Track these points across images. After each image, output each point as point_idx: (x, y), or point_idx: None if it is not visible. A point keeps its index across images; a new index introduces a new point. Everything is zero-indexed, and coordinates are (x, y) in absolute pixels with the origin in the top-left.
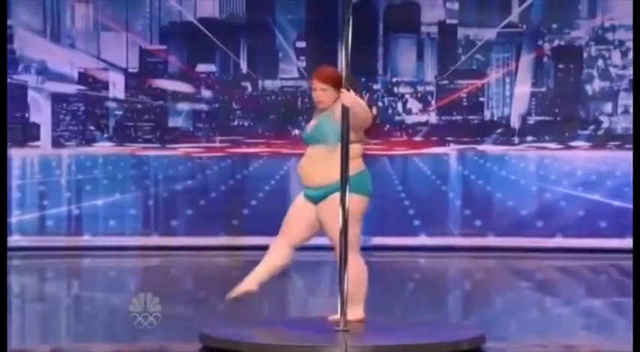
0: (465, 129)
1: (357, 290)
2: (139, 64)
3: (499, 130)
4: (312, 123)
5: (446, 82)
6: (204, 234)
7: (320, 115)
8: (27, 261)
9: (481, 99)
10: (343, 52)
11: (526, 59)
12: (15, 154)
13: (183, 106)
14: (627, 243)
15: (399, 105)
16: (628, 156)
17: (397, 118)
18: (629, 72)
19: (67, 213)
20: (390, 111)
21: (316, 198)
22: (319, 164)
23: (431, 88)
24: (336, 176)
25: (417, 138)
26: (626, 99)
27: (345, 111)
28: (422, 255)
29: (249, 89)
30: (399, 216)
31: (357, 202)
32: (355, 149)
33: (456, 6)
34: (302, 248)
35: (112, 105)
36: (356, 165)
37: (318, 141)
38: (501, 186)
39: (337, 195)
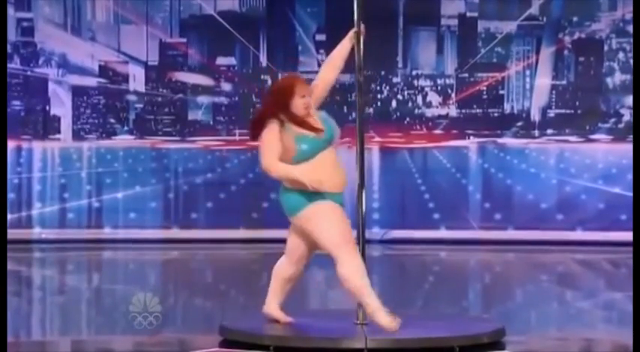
0: (485, 122)
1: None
2: (159, 57)
3: (519, 123)
4: (319, 125)
5: (466, 74)
6: (223, 227)
7: (316, 117)
8: (48, 253)
9: (501, 92)
10: (356, 56)
11: (546, 52)
12: (36, 147)
13: (203, 99)
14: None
15: (419, 99)
16: None
17: (417, 111)
18: None
19: (88, 206)
20: (410, 104)
21: None
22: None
23: (451, 81)
24: None
25: (437, 131)
26: None
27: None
28: (442, 248)
29: (269, 82)
30: (419, 209)
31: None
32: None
33: None
34: None
35: (132, 98)
36: None
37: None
38: (521, 180)
39: None
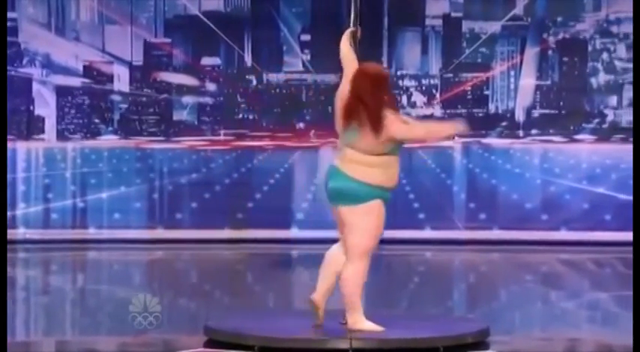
0: (470, 122)
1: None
2: (144, 57)
3: (504, 123)
4: None
5: (450, 75)
6: (208, 227)
7: None
8: (32, 253)
9: (486, 92)
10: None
11: (531, 52)
12: (20, 147)
13: (188, 99)
14: (631, 235)
15: (404, 99)
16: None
17: (402, 111)
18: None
19: (72, 206)
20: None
21: None
22: None
23: (435, 81)
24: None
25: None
26: (631, 92)
27: None
28: (427, 248)
29: (254, 82)
30: (404, 210)
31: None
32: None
33: None
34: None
35: (116, 98)
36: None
37: None
38: (506, 180)
39: None
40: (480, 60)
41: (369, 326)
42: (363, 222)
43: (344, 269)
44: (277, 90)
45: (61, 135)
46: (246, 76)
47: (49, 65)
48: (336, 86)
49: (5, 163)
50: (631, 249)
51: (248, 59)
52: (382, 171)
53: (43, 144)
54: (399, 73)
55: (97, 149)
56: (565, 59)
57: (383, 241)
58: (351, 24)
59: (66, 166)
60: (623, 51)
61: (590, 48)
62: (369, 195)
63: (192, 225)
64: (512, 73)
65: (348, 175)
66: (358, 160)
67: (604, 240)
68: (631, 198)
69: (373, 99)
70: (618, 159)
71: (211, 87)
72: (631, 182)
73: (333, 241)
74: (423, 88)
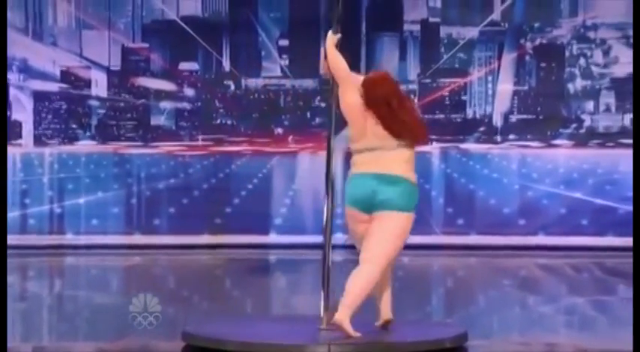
0: (448, 127)
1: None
2: (122, 62)
3: (481, 129)
4: None
5: (428, 80)
6: (186, 233)
7: None
8: (9, 259)
9: (464, 97)
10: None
11: (508, 58)
12: None
13: (166, 105)
14: (608, 240)
15: None
16: (609, 154)
17: None
18: (611, 70)
19: (50, 212)
20: None
21: None
22: None
23: (414, 87)
24: None
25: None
26: (608, 98)
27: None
28: (404, 253)
29: (232, 87)
30: None
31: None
32: (352, 158)
33: (438, 4)
34: (286, 246)
35: (94, 103)
36: (349, 173)
37: None
38: (484, 185)
39: None
40: (457, 65)
41: (348, 327)
42: (395, 228)
43: (358, 267)
44: (255, 95)
45: (39, 141)
46: (224, 81)
47: (27, 70)
48: (315, 91)
49: (5, 166)
50: (608, 253)
51: (226, 64)
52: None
53: (20, 149)
54: None
55: (74, 154)
56: (542, 64)
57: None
58: (334, 30)
59: (43, 172)
60: (599, 56)
61: (567, 53)
62: (415, 203)
63: (170, 230)
64: (489, 78)
65: (407, 180)
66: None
67: (581, 244)
68: (608, 203)
69: (402, 103)
70: (595, 164)
71: (189, 92)
72: (608, 187)
73: (311, 246)
74: None
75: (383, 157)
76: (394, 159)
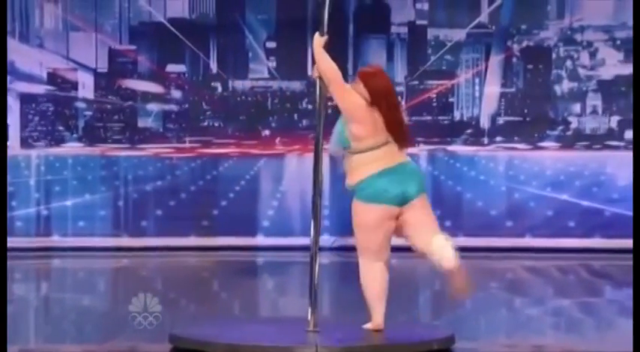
0: (435, 129)
1: (366, 296)
2: (109, 64)
3: (469, 131)
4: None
5: (416, 82)
6: (174, 235)
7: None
8: None
9: (451, 99)
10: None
11: (495, 60)
12: None
13: (153, 107)
14: (595, 242)
15: None
16: (596, 156)
17: None
18: (598, 72)
19: (36, 214)
20: None
21: None
22: (348, 169)
23: (401, 89)
24: (353, 180)
25: (404, 130)
26: (595, 100)
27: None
28: (392, 255)
29: (219, 89)
30: None
31: (359, 209)
32: (367, 156)
33: (425, 6)
34: (274, 248)
35: (81, 105)
36: (363, 171)
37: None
38: (471, 187)
39: (354, 199)
40: (445, 67)
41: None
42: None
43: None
44: (243, 97)
45: (25, 143)
46: (212, 83)
47: (13, 72)
48: (302, 93)
49: (5, 167)
50: (595, 255)
51: (213, 66)
52: None
53: (7, 151)
54: None
55: (61, 156)
56: (529, 67)
57: (348, 248)
58: (321, 31)
59: (30, 174)
60: (586, 58)
61: (554, 55)
62: None
63: (157, 232)
64: (477, 80)
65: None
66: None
67: (568, 246)
68: (595, 205)
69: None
70: (582, 166)
71: (176, 94)
72: (595, 189)
73: (299, 248)
74: None
75: (393, 149)
76: (399, 150)
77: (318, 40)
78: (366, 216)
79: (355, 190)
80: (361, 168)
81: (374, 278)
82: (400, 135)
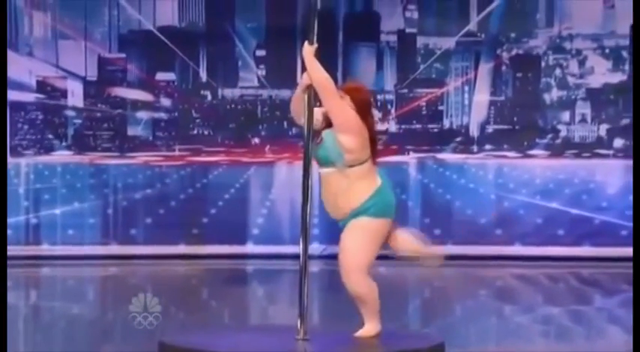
0: (425, 137)
1: (367, 307)
2: (98, 72)
3: (458, 139)
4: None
5: (405, 90)
6: (163, 243)
7: (324, 132)
8: None
9: (440, 107)
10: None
11: (485, 68)
12: None
13: (143, 115)
14: (584, 250)
15: None
16: (585, 164)
17: None
18: (587, 81)
19: (25, 222)
20: None
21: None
22: (339, 193)
23: (390, 97)
24: (357, 202)
25: (377, 147)
26: (584, 108)
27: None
28: (381, 263)
29: (209, 97)
30: None
31: (371, 226)
32: (355, 171)
33: (415, 15)
34: (263, 256)
35: (70, 113)
36: (364, 187)
37: (326, 161)
38: (460, 195)
39: (357, 219)
40: (434, 75)
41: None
42: None
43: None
44: (232, 105)
45: (14, 151)
46: (201, 92)
47: None
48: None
49: (5, 173)
50: (584, 263)
51: (203, 74)
52: None
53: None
54: None
55: (50, 165)
56: (518, 75)
57: (335, 257)
58: (312, 40)
59: (19, 182)
60: (575, 67)
61: (543, 64)
62: None
63: (146, 240)
64: (466, 88)
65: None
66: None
67: (557, 254)
68: (584, 213)
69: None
70: (571, 174)
71: (166, 102)
72: (584, 197)
73: (288, 256)
74: (379, 103)
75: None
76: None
77: (309, 49)
78: (380, 232)
79: (362, 209)
80: (361, 183)
81: (373, 289)
82: (375, 149)
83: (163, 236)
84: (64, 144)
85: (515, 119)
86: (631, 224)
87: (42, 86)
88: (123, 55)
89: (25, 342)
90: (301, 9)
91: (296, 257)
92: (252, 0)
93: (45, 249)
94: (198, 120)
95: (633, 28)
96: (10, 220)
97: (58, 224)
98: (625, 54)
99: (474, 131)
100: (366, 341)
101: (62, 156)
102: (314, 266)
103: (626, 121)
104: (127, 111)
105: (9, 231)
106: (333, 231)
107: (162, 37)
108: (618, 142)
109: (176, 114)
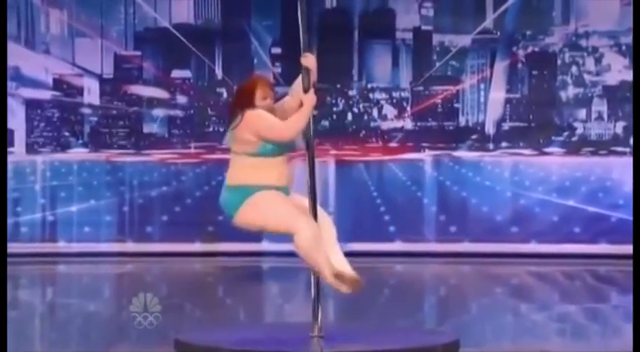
0: (440, 135)
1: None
2: (114, 70)
3: (474, 136)
4: None
5: (421, 88)
6: (179, 241)
7: None
8: None
9: (456, 105)
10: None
11: (500, 65)
12: None
13: (159, 112)
14: (601, 248)
15: (375, 111)
16: (602, 161)
17: (373, 124)
18: (603, 78)
19: (42, 220)
20: (365, 117)
21: None
22: None
23: (406, 94)
24: None
25: (393, 144)
26: (600, 106)
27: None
28: (397, 261)
29: (225, 95)
30: (374, 222)
31: None
32: None
33: (430, 12)
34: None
35: (86, 111)
36: None
37: None
38: (476, 192)
39: None
40: (450, 73)
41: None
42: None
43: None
44: None
45: (31, 149)
46: (217, 89)
47: (19, 78)
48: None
49: (5, 171)
50: (600, 261)
51: (219, 72)
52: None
53: (13, 157)
54: (369, 85)
55: (66, 162)
56: (534, 72)
57: (354, 254)
58: (305, 47)
59: (35, 179)
60: (592, 64)
61: (559, 61)
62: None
63: (162, 238)
64: (482, 85)
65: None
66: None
67: (573, 252)
68: (601, 210)
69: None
70: (588, 171)
71: (182, 100)
72: (600, 194)
73: None
74: (394, 100)
75: None
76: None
77: (311, 100)
78: None
79: None
80: None
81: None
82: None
83: (179, 233)
84: (80, 141)
85: (531, 117)
86: None
87: (58, 84)
88: (139, 53)
89: (40, 339)
90: (316, 7)
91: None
92: None
93: (61, 246)
94: (213, 118)
95: (633, 28)
96: (26, 217)
97: (74, 221)
98: None
99: (490, 128)
100: (381, 339)
101: (78, 153)
102: None
103: None
104: (143, 109)
105: (25, 229)
106: (351, 228)
107: (178, 35)
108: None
109: (192, 111)
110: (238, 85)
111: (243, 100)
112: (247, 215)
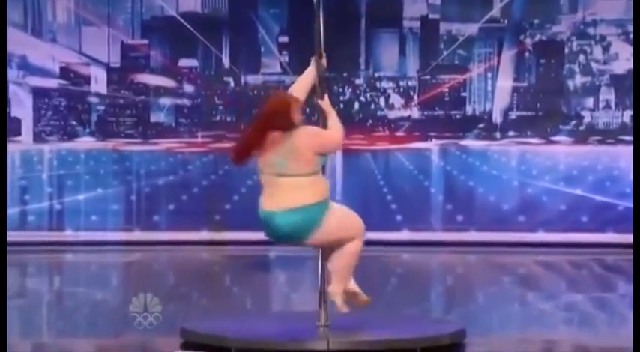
0: (447, 124)
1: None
2: (121, 58)
3: (481, 125)
4: None
5: (428, 76)
6: (186, 229)
7: None
8: (8, 256)
9: (463, 94)
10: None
11: (508, 54)
12: None
13: (166, 101)
14: (608, 237)
15: (382, 100)
16: (609, 150)
17: (380, 113)
18: (611, 67)
19: (49, 208)
20: (372, 106)
21: None
22: None
23: (413, 83)
24: None
25: (400, 133)
26: (607, 95)
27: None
28: (404, 250)
29: (232, 84)
30: (381, 211)
31: None
32: None
33: (437, 1)
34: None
35: (93, 100)
36: None
37: None
38: (483, 181)
39: None
40: (457, 62)
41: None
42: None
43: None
44: (255, 92)
45: (38, 137)
46: (224, 78)
47: (26, 66)
48: (314, 88)
49: (5, 164)
50: (607, 250)
51: (226, 61)
52: None
53: (20, 146)
54: (376, 74)
55: (74, 151)
56: (542, 61)
57: None
58: (318, 53)
59: (43, 168)
60: (599, 53)
61: (566, 50)
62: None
63: (169, 226)
64: (489, 74)
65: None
66: None
67: (581, 241)
68: (608, 199)
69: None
70: (595, 160)
71: (189, 88)
72: (608, 183)
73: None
74: (401, 89)
75: None
76: None
77: (329, 105)
78: None
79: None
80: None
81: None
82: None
83: (186, 222)
84: (87, 130)
85: (538, 105)
86: None
87: (65, 72)
88: (146, 42)
89: (47, 328)
90: None
91: None
92: None
93: (68, 234)
94: (220, 107)
95: (633, 28)
96: (34, 206)
97: (81, 210)
98: None
99: (497, 117)
100: (386, 328)
101: (85, 142)
102: None
103: None
104: (150, 98)
105: (32, 217)
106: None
107: (185, 24)
108: None
109: (199, 100)
110: (271, 109)
111: (283, 122)
112: (331, 230)
